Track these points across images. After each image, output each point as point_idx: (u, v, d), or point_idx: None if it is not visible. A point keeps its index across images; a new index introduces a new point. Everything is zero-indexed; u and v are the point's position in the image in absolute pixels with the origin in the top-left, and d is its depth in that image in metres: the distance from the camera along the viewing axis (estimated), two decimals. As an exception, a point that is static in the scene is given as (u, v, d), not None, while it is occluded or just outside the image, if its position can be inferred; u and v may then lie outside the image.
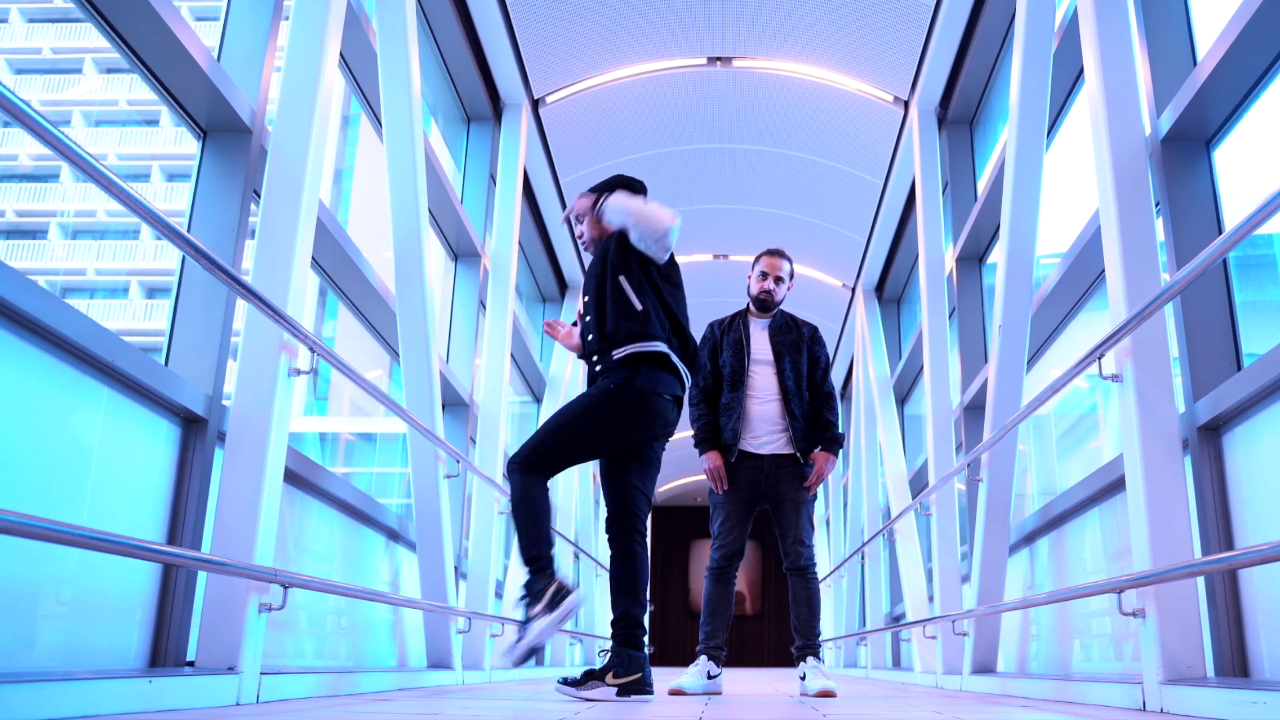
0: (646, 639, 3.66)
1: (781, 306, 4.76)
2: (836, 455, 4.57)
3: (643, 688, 3.56)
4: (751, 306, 4.72)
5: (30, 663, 2.68)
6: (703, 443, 4.61)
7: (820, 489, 4.79)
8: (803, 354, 4.60)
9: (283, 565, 3.97)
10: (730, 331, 4.66)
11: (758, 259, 4.72)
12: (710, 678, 4.45)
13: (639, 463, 3.71)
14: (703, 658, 4.49)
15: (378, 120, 5.69)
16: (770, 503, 4.58)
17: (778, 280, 4.64)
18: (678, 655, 23.17)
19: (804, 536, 4.50)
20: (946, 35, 6.88)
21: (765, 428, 4.51)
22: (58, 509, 2.78)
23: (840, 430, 4.60)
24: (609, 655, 3.63)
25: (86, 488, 2.93)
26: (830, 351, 5.03)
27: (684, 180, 9.32)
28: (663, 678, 7.56)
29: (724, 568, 4.58)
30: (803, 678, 4.35)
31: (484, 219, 7.71)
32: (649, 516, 3.80)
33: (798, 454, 4.50)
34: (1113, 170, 3.81)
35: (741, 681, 6.47)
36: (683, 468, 20.69)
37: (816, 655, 4.43)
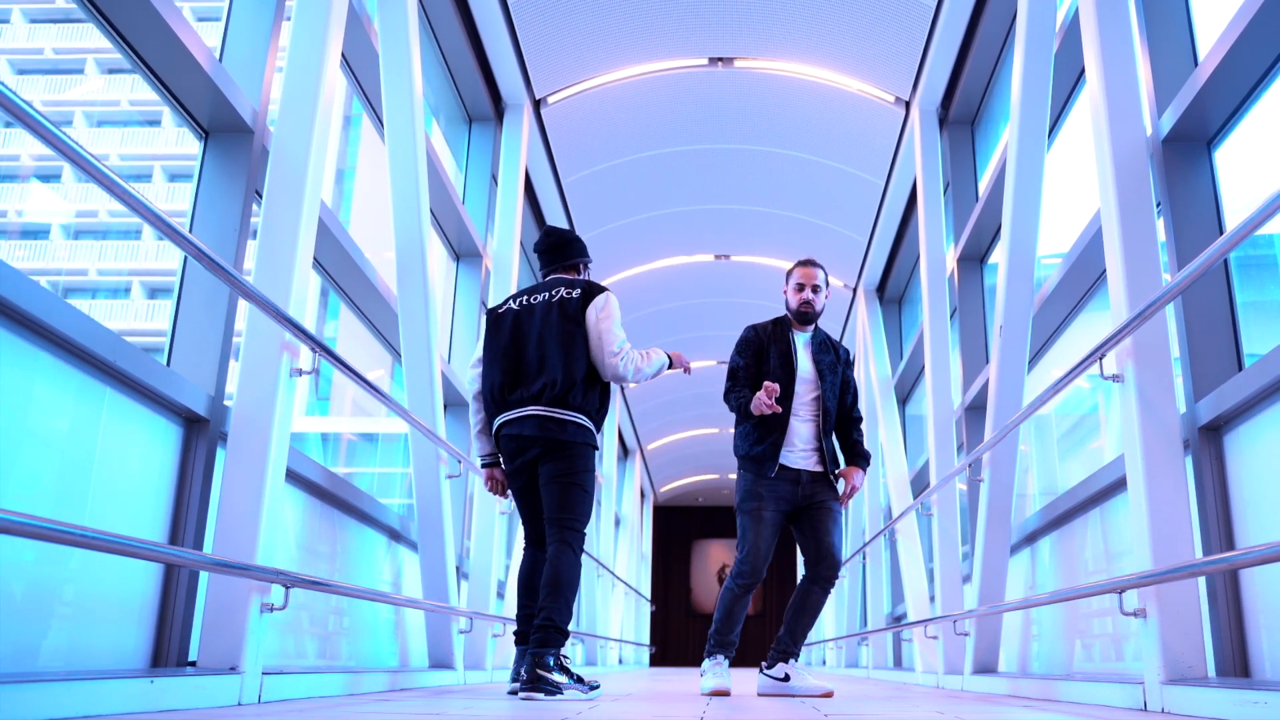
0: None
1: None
2: (865, 471, 4.55)
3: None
4: (793, 320, 4.58)
5: (33, 663, 2.68)
6: (746, 394, 4.41)
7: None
8: (839, 376, 4.56)
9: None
10: (778, 340, 4.52)
11: (791, 271, 4.60)
12: None
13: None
14: (720, 654, 4.37)
15: (379, 120, 5.69)
16: (802, 512, 4.42)
17: (815, 289, 4.52)
18: (679, 655, 23.19)
19: (837, 543, 4.40)
20: (948, 36, 6.88)
21: (802, 445, 4.41)
22: (60, 509, 2.79)
23: (866, 450, 4.58)
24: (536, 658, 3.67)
25: (88, 488, 2.94)
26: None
27: (685, 180, 9.33)
28: (663, 678, 7.57)
29: (752, 582, 4.38)
30: (785, 678, 4.32)
31: (486, 219, 7.71)
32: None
33: (829, 474, 4.43)
34: (1114, 171, 3.81)
35: (743, 682, 6.47)
36: (684, 468, 20.71)
37: (796, 657, 4.41)
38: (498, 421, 4.02)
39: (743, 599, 4.42)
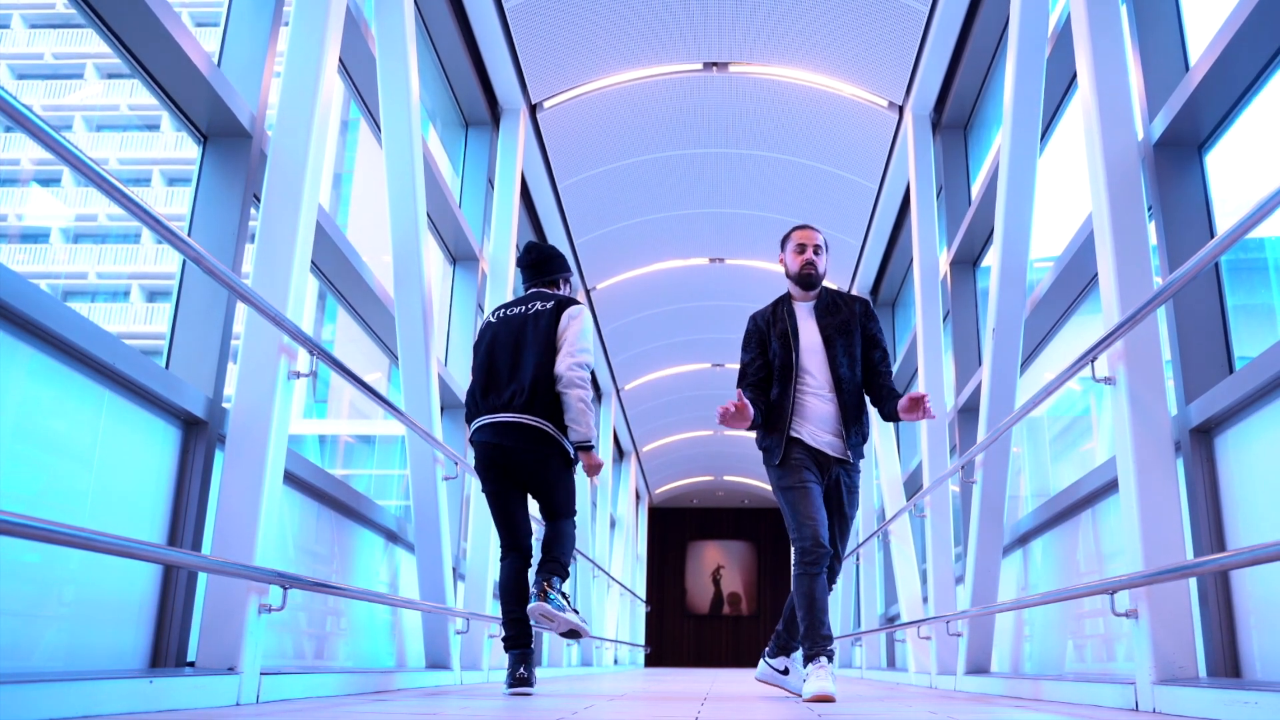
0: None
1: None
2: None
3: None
4: (794, 289, 4.24)
5: (32, 663, 2.70)
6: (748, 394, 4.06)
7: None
8: (855, 336, 4.11)
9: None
10: (776, 322, 4.19)
11: (788, 236, 4.27)
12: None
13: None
14: (822, 657, 3.78)
15: (377, 125, 5.71)
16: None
17: (816, 250, 4.17)
18: (673, 656, 23.23)
19: (841, 550, 4.12)
20: (941, 41, 6.91)
21: (823, 425, 4.03)
22: (59, 510, 2.80)
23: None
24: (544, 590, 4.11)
25: (88, 489, 2.96)
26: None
27: (680, 184, 9.36)
28: (658, 678, 7.58)
29: (817, 554, 3.87)
30: (784, 671, 4.30)
31: (482, 223, 7.74)
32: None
33: (853, 460, 4.09)
34: (1106, 175, 3.84)
35: (738, 682, 6.49)
36: (679, 470, 20.72)
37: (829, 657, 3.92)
38: (472, 426, 4.26)
39: (817, 580, 3.88)
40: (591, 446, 4.23)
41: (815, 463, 4.02)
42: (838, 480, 4.07)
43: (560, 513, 4.32)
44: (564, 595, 4.12)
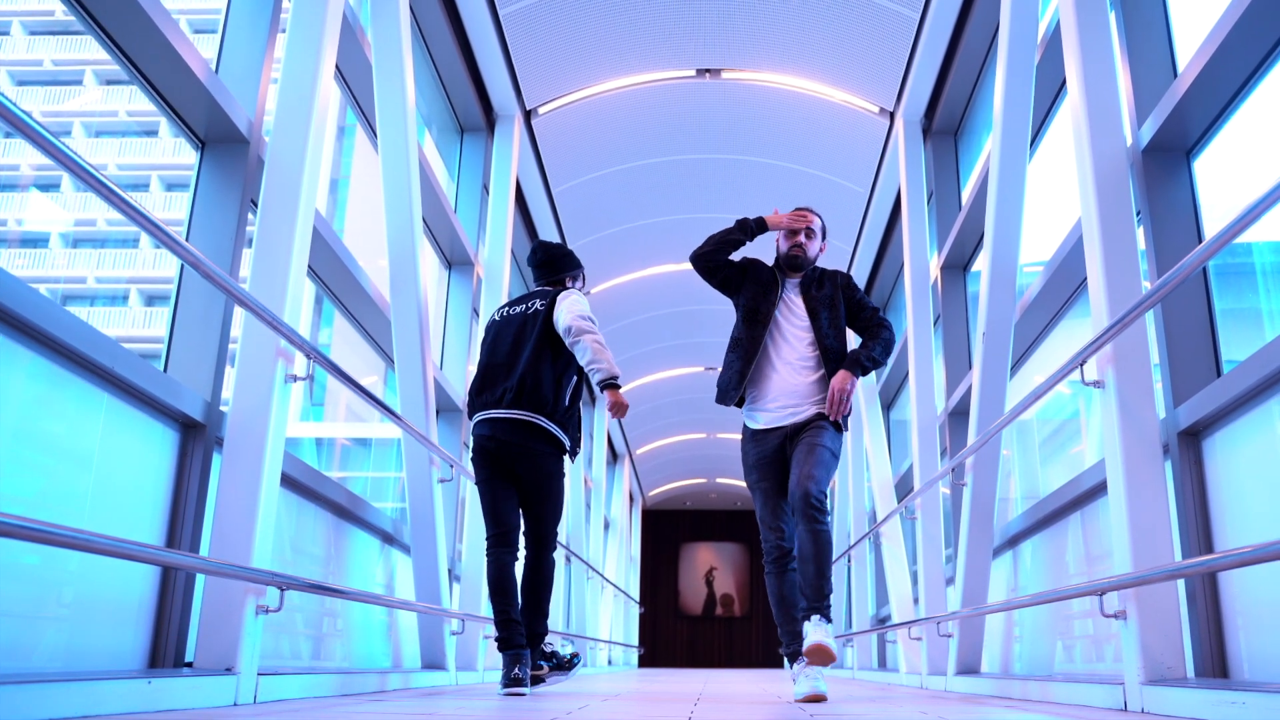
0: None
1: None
2: (857, 376, 3.88)
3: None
4: (783, 268, 4.13)
5: (32, 663, 2.72)
6: (752, 222, 4.04)
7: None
8: (840, 310, 4.02)
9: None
10: (763, 279, 4.07)
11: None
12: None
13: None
14: (804, 657, 3.70)
15: (373, 131, 5.74)
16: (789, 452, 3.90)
17: (809, 234, 4.05)
18: (667, 656, 23.26)
19: (815, 472, 3.72)
20: (931, 47, 6.95)
21: (790, 397, 3.93)
22: (59, 513, 2.83)
23: (876, 353, 3.95)
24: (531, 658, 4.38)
25: (87, 492, 2.98)
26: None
27: (672, 190, 9.39)
28: (652, 679, 7.59)
29: (778, 554, 3.88)
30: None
31: (477, 228, 7.76)
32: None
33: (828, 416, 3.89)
34: (1094, 180, 3.87)
35: (731, 683, 6.51)
36: (673, 472, 20.73)
37: (825, 615, 3.65)
38: (471, 420, 4.39)
39: (783, 578, 3.88)
40: (617, 384, 4.14)
41: (776, 446, 3.93)
42: (802, 429, 3.89)
43: (546, 533, 4.35)
44: (549, 659, 4.48)
